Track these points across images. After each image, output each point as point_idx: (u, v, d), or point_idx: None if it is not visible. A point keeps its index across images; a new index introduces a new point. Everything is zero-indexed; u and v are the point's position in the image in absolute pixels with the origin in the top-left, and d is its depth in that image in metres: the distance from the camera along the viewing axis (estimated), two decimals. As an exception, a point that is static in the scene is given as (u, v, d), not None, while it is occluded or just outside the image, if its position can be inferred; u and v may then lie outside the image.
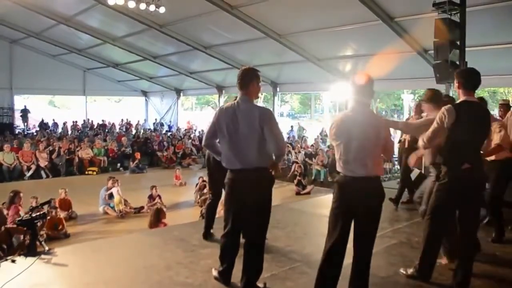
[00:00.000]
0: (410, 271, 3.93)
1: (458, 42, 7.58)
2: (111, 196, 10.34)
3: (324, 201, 6.95)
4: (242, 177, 3.51)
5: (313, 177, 14.60)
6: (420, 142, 3.80)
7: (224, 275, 3.80)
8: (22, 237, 5.06)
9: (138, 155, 16.78)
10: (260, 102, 40.23)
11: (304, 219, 6.34)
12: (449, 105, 3.55)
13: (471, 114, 3.53)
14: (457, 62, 7.58)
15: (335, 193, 3.28)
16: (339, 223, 3.20)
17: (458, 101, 3.67)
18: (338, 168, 3.27)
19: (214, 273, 3.90)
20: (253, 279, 3.63)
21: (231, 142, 3.51)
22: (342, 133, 3.20)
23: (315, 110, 46.66)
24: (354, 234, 3.25)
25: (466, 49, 7.69)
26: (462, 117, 3.46)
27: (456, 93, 3.73)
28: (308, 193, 12.65)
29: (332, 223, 3.26)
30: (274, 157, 3.58)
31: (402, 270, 4.02)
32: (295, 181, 13.21)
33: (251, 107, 3.51)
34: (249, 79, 3.54)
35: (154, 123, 26.57)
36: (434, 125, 3.58)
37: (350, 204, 3.18)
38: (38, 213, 4.70)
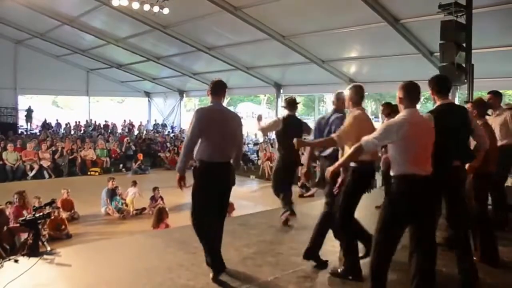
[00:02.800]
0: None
1: (464, 44, 7.51)
2: (112, 196, 10.35)
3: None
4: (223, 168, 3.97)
5: (316, 180, 14.49)
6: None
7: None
8: (27, 235, 5.03)
9: (140, 156, 16.77)
10: (263, 104, 40.07)
11: (308, 222, 6.25)
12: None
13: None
14: (463, 65, 7.51)
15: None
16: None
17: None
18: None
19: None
20: None
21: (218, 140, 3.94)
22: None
23: (319, 112, 46.51)
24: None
25: (472, 51, 7.62)
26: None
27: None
28: (312, 195, 12.55)
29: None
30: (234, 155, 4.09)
31: None
32: (299, 183, 13.12)
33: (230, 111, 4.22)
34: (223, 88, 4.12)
35: (154, 125, 26.56)
36: None
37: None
38: (41, 213, 4.67)
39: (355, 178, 3.81)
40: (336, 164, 3.48)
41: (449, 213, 3.79)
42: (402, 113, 3.24)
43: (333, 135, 3.86)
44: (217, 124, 3.93)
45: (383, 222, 3.21)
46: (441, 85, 3.77)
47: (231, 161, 4.09)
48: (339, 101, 4.46)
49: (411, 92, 3.32)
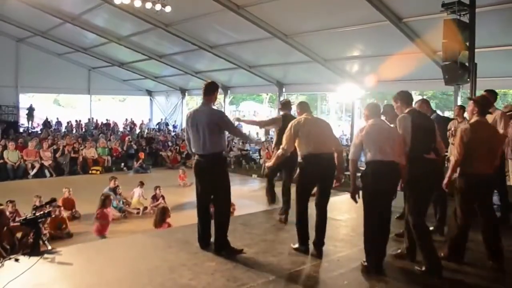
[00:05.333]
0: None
1: (467, 43, 7.46)
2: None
3: (330, 203, 6.84)
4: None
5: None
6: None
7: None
8: (21, 235, 5.04)
9: (142, 155, 16.74)
10: (265, 102, 40.04)
11: (310, 221, 6.23)
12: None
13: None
14: (466, 64, 7.46)
15: None
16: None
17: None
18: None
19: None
20: None
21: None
22: None
23: (321, 111, 46.47)
24: None
25: (476, 50, 7.56)
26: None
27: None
28: (313, 194, 12.52)
29: None
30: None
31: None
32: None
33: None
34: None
35: (157, 123, 26.55)
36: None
37: None
38: (41, 212, 4.65)
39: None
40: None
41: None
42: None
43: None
44: None
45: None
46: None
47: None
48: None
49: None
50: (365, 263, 4.14)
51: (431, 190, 4.29)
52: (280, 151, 4.87)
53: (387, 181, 4.04)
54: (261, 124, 6.92)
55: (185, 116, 4.79)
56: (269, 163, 5.42)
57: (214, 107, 4.91)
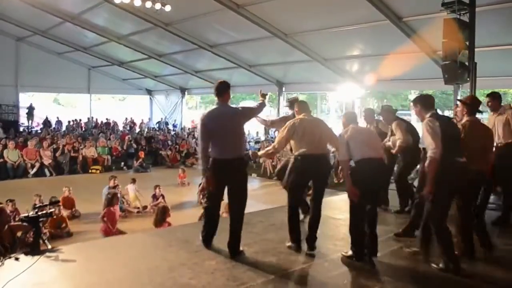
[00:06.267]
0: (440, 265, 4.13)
1: (467, 43, 7.45)
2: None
3: (329, 202, 6.86)
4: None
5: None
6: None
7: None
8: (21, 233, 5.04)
9: (141, 154, 16.75)
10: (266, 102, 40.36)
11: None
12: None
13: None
14: (466, 63, 7.45)
15: None
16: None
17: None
18: None
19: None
20: None
21: None
22: None
23: (321, 110, 46.43)
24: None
25: (476, 49, 7.55)
26: None
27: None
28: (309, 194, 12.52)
29: None
30: None
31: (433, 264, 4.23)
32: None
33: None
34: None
35: (157, 122, 26.54)
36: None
37: None
38: (43, 212, 4.65)
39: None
40: None
41: None
42: None
43: None
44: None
45: None
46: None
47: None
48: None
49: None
50: (348, 254, 4.40)
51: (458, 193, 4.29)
52: (271, 148, 5.07)
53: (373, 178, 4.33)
54: (271, 123, 6.70)
55: (202, 118, 4.54)
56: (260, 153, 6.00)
57: (231, 106, 4.78)
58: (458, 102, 4.84)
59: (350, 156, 4.39)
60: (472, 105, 4.62)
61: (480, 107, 4.78)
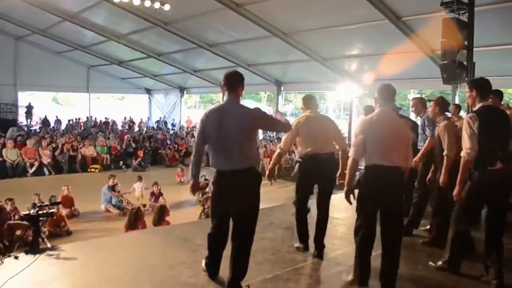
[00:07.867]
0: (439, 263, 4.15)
1: (466, 42, 7.48)
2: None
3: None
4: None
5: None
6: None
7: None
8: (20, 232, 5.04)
9: (140, 153, 16.74)
10: (264, 101, 40.03)
11: (309, 220, 6.25)
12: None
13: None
14: (465, 63, 7.48)
15: None
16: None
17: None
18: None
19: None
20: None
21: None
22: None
23: (320, 109, 46.40)
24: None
25: (474, 49, 7.58)
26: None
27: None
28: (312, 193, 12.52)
29: None
30: None
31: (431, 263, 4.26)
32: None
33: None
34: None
35: (156, 121, 26.53)
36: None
37: None
38: (44, 211, 4.65)
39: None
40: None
41: None
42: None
43: None
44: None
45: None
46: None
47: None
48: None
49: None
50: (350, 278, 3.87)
51: None
52: (277, 150, 4.89)
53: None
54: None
55: (202, 117, 3.64)
56: (270, 167, 4.94)
57: (243, 104, 3.67)
58: (430, 102, 5.17)
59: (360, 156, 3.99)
60: (442, 104, 4.99)
61: None
